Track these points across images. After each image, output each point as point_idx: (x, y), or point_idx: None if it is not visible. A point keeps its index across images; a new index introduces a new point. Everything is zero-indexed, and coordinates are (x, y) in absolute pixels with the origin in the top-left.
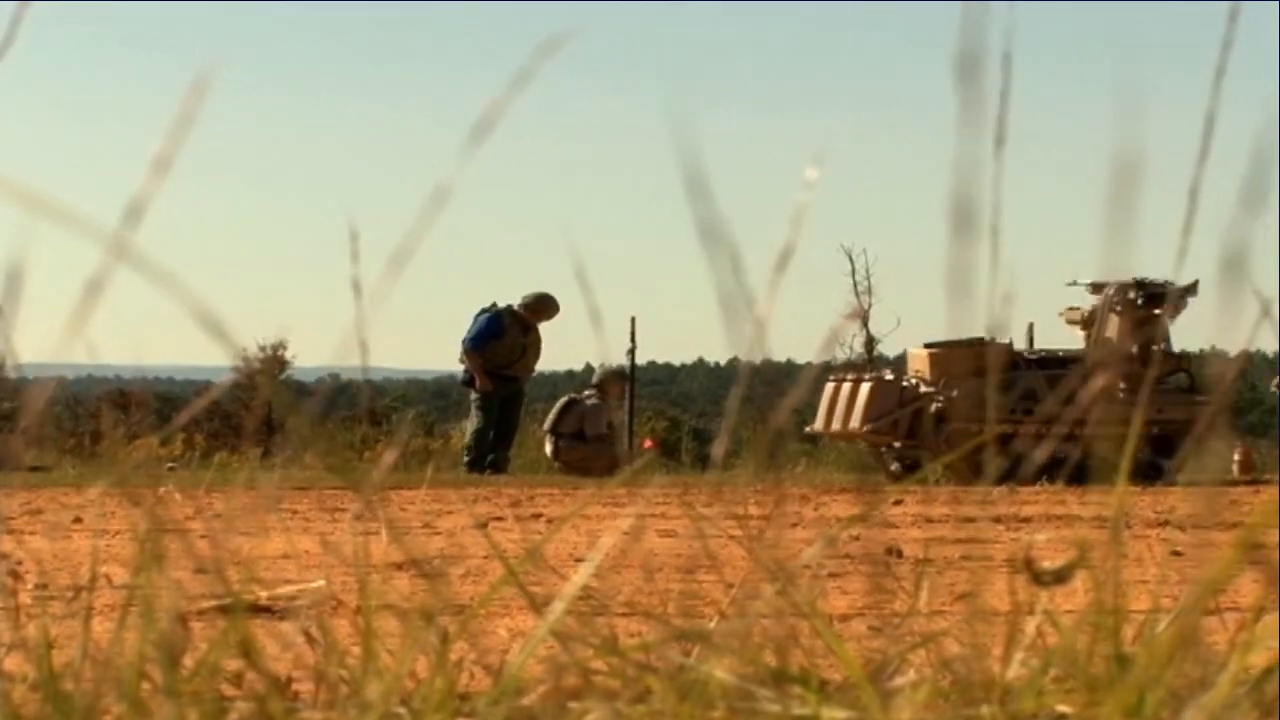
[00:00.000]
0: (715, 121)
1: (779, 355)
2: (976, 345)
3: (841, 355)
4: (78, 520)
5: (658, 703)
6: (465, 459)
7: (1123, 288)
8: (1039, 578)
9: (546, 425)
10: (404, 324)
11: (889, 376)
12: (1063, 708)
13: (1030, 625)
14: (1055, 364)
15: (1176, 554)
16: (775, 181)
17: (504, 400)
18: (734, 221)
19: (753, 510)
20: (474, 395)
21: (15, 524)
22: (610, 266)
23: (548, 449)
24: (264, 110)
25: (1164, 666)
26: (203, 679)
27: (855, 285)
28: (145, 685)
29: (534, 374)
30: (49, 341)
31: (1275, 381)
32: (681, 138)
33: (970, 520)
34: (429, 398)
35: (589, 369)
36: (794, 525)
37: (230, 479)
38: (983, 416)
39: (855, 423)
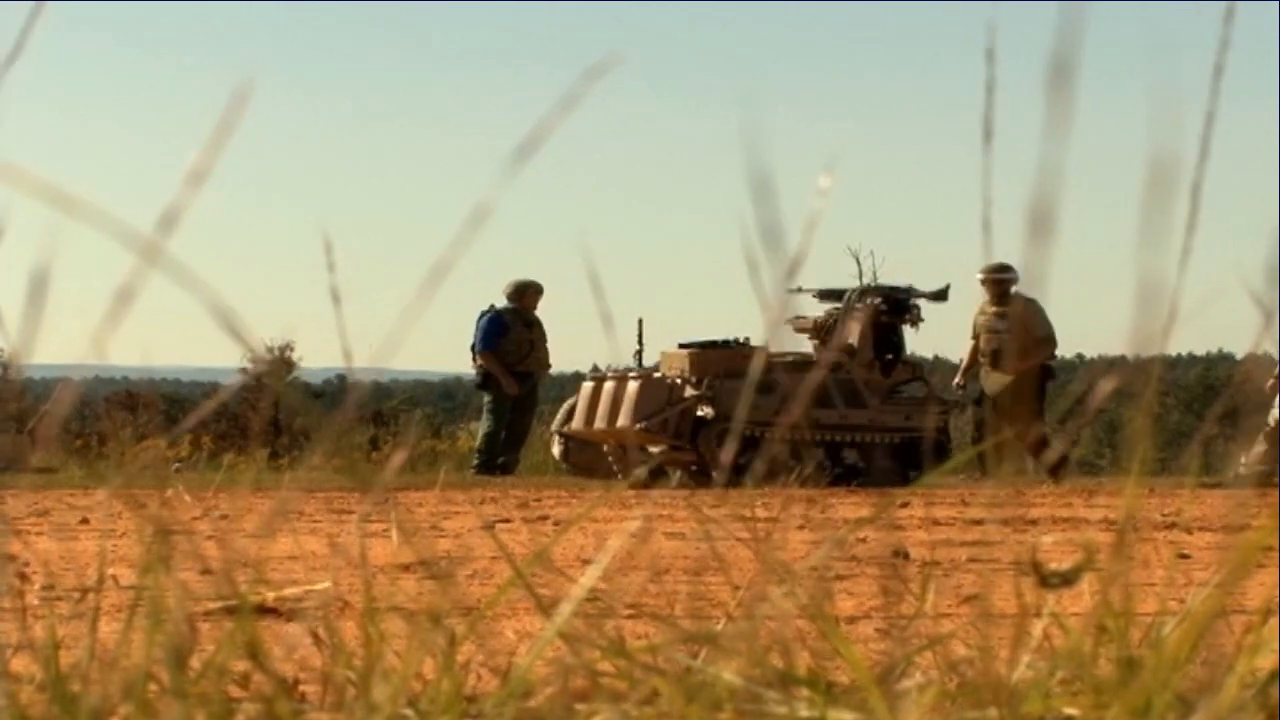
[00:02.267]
0: (724, 122)
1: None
2: (731, 347)
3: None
4: (85, 521)
5: (665, 704)
6: (475, 461)
7: (864, 293)
8: (1046, 580)
9: (554, 426)
10: (411, 325)
11: (657, 374)
12: (1070, 710)
13: (1037, 628)
14: (807, 367)
15: (1184, 556)
16: (782, 183)
17: (516, 402)
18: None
19: (760, 512)
20: (486, 398)
21: (22, 525)
22: (618, 267)
23: (555, 450)
24: (276, 113)
25: (1171, 669)
26: (210, 680)
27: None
28: (152, 686)
29: (549, 370)
30: (75, 345)
31: (1269, 383)
32: (750, 140)
33: (977, 523)
34: (436, 399)
35: (597, 371)
36: (801, 527)
37: (238, 480)
38: (752, 418)
39: (624, 420)
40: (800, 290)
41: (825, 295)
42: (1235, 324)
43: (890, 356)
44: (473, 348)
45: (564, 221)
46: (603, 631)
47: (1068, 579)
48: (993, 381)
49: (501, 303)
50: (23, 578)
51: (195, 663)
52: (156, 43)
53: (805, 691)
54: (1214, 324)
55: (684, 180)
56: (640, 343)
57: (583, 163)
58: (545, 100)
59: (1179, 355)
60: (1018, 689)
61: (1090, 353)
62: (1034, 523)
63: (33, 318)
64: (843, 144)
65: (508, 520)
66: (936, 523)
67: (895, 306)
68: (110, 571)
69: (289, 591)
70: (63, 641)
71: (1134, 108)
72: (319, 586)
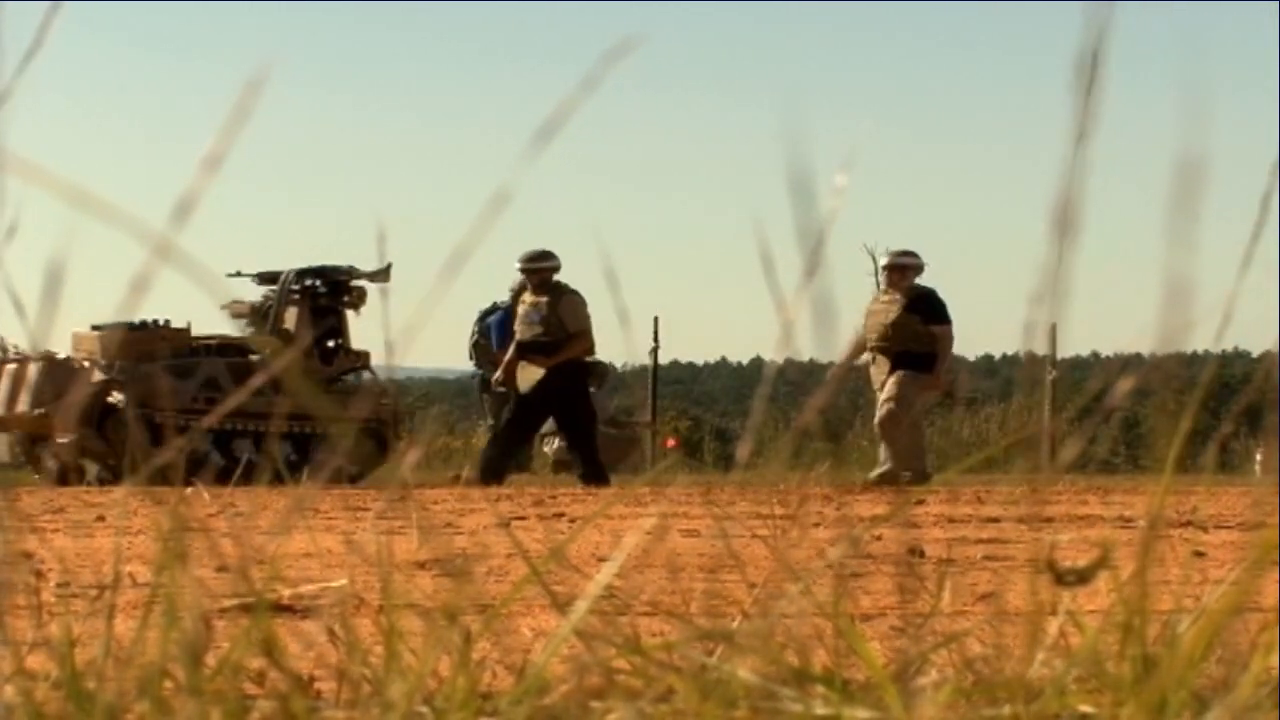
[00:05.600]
0: (738, 121)
1: (800, 355)
2: (148, 328)
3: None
4: (101, 519)
5: (680, 702)
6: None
7: (302, 275)
8: (1062, 578)
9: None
10: (427, 323)
11: (61, 356)
12: (1086, 708)
13: (1053, 626)
14: (236, 351)
15: (1200, 554)
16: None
17: None
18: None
19: (776, 510)
20: (486, 397)
21: (39, 522)
22: (632, 265)
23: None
24: (291, 107)
25: (1187, 668)
26: (225, 678)
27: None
28: (168, 684)
29: None
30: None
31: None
32: (791, 141)
33: (993, 520)
34: (451, 396)
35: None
36: (817, 525)
37: (254, 478)
38: (163, 405)
39: (23, 406)
40: (239, 274)
41: (264, 278)
42: (1251, 320)
43: (332, 344)
44: (475, 346)
45: (581, 216)
46: (618, 629)
47: (1083, 577)
48: (526, 376)
49: (503, 301)
50: (39, 575)
51: (211, 660)
52: (176, 40)
53: (821, 689)
54: (1233, 320)
55: (703, 176)
56: (656, 340)
57: (600, 156)
58: (555, 92)
59: (1194, 353)
60: (1033, 687)
61: (1106, 350)
62: (1050, 520)
63: (47, 312)
64: (863, 140)
65: (523, 518)
66: (952, 520)
67: (334, 288)
68: (126, 569)
69: (305, 589)
70: (78, 639)
71: (1156, 105)
72: (335, 584)
